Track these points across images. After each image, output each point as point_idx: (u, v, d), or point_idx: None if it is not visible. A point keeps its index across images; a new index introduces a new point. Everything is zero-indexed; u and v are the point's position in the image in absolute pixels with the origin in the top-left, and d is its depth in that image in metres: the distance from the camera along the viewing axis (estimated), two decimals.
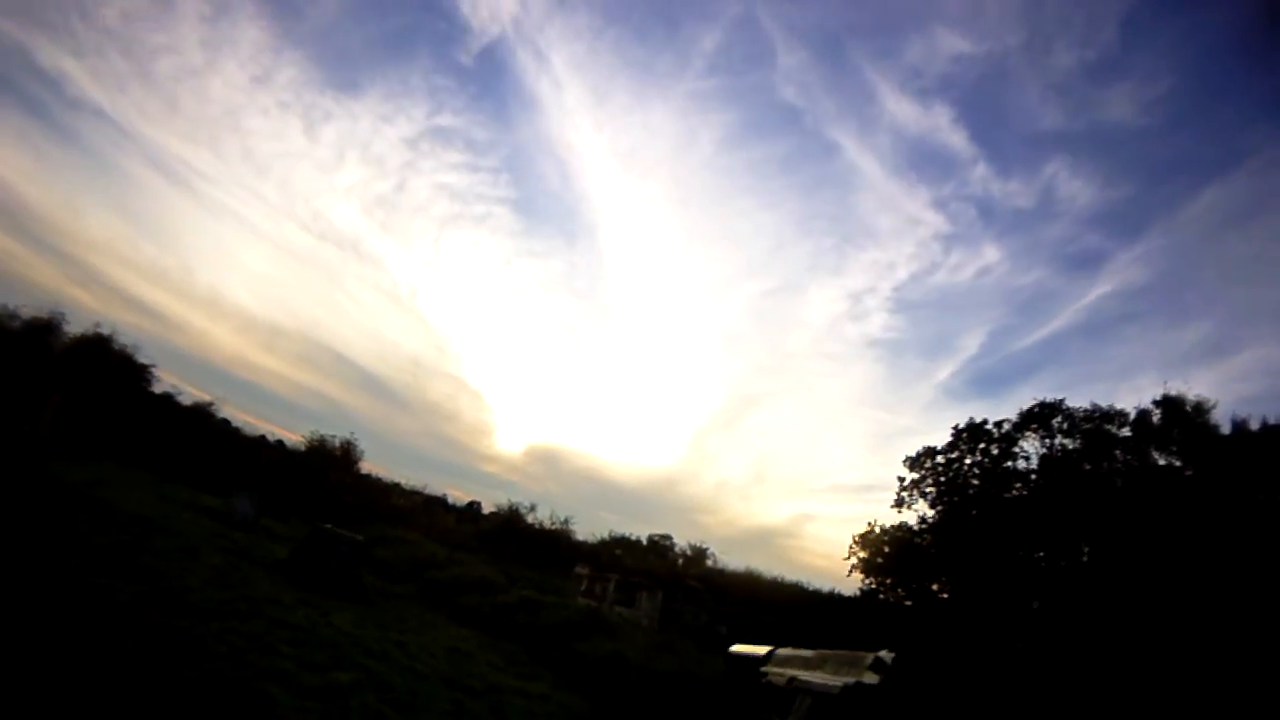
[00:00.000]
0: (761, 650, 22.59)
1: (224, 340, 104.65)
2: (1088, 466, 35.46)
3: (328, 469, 46.26)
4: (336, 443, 50.59)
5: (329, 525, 23.34)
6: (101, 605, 11.05)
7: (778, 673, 18.69)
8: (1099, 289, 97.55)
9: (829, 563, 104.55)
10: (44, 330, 40.51)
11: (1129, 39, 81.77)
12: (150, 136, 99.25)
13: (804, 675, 17.03)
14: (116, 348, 41.80)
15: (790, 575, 52.83)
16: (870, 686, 14.58)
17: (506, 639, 22.49)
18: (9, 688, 7.39)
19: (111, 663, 8.89)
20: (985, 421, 39.97)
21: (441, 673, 15.27)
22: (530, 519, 51.95)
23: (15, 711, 6.99)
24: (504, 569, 34.03)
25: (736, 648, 23.95)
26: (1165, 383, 37.43)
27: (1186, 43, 77.12)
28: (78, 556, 13.46)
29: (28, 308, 41.09)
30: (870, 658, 16.49)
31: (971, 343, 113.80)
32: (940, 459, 40.97)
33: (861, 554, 42.68)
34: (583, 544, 51.95)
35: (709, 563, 62.59)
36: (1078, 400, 43.13)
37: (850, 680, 14.99)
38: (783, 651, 21.31)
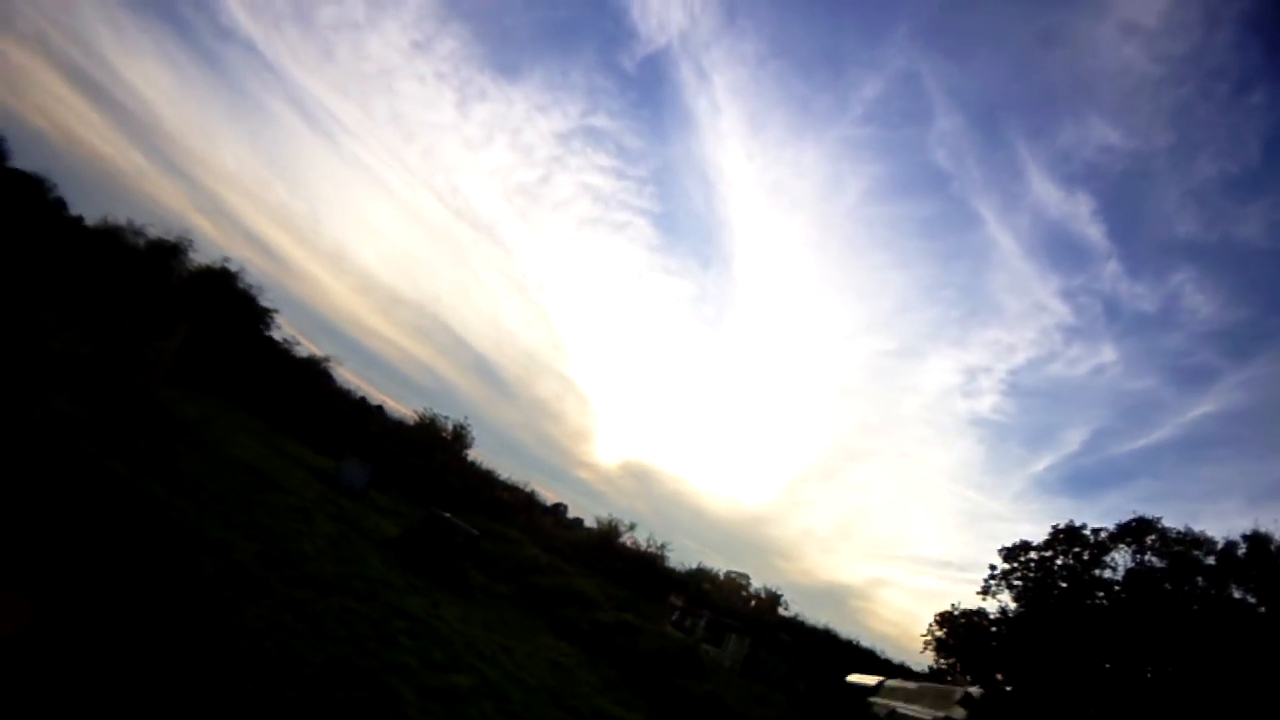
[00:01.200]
0: (873, 680, 21.65)
1: (342, 297, 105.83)
2: (1169, 587, 34.61)
3: (436, 449, 45.21)
4: (449, 424, 49.45)
5: (446, 512, 22.36)
6: (221, 564, 10.09)
7: (883, 703, 18.01)
8: (1204, 407, 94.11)
9: (896, 631, 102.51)
10: (169, 253, 40.13)
11: (1271, 156, 78.20)
12: (299, 79, 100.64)
13: (903, 707, 16.44)
14: (240, 286, 40.82)
15: (862, 638, 51.08)
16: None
17: (604, 660, 21.34)
18: (136, 646, 6.42)
19: (237, 633, 7.89)
20: (1084, 526, 39.06)
21: (549, 687, 14.18)
22: (627, 538, 50.85)
23: (145, 673, 6.01)
24: (597, 584, 33.08)
25: (853, 677, 23.01)
26: (1256, 519, 38.05)
27: None
28: (192, 500, 12.57)
29: (154, 227, 41.07)
30: (960, 693, 15.73)
31: (1074, 438, 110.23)
32: (1034, 555, 40.01)
33: (938, 632, 41.09)
34: (673, 571, 50.72)
35: (781, 610, 60.83)
36: (1168, 515, 42.29)
37: (940, 714, 14.54)
38: (891, 682, 20.44)
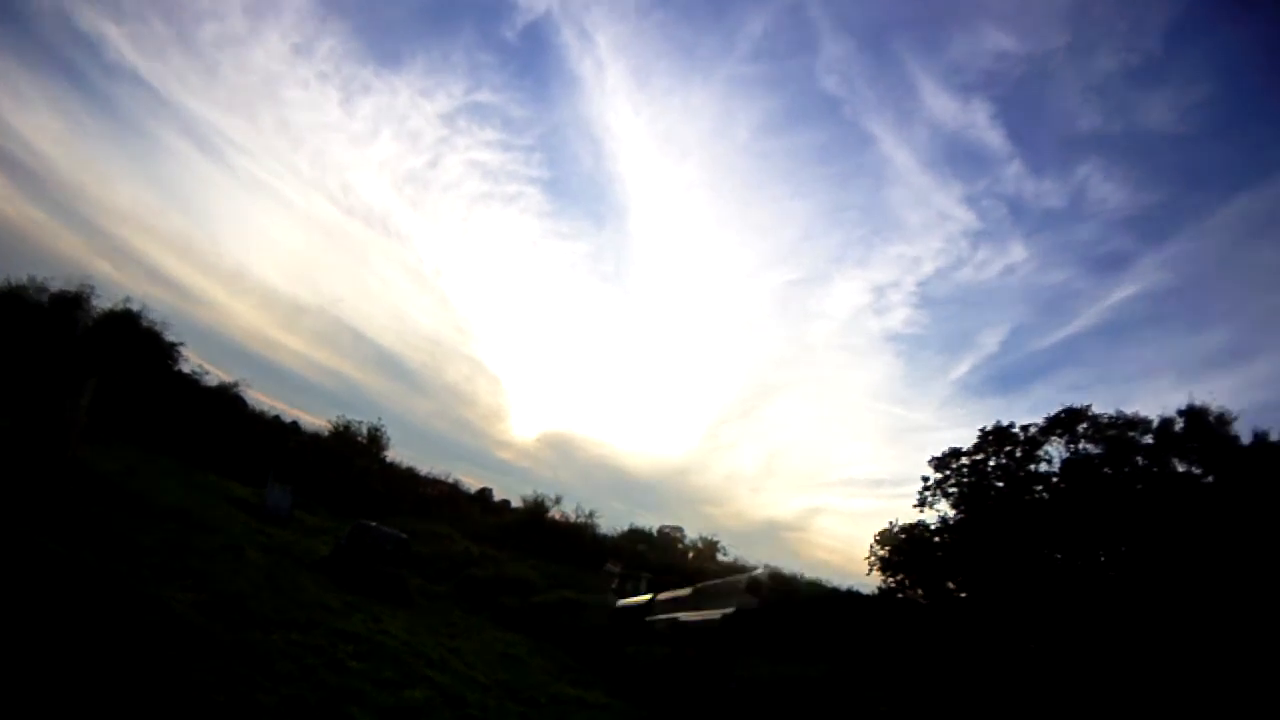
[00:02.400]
0: (644, 598, 22.18)
1: (246, 317, 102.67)
2: (1109, 471, 35.48)
3: (354, 456, 45.19)
4: (363, 429, 49.65)
5: (372, 521, 22.52)
6: (162, 616, 10.28)
7: (662, 619, 18.32)
8: (1123, 291, 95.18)
9: (837, 558, 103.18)
10: (72, 303, 39.23)
11: (1172, 45, 79.79)
12: (187, 105, 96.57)
13: (683, 616, 16.72)
14: (145, 324, 40.46)
15: (804, 569, 51.82)
16: (750, 611, 14.45)
17: (551, 642, 21.92)
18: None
19: (190, 687, 8.14)
20: (1012, 425, 39.84)
21: (502, 683, 14.59)
22: (554, 512, 50.70)
23: None
24: (532, 565, 33.35)
25: (622, 601, 23.59)
26: (1190, 392, 38.42)
27: (1228, 50, 74.98)
28: (126, 560, 12.67)
29: (55, 279, 39.75)
30: (745, 580, 16.07)
31: (992, 340, 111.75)
32: (965, 460, 40.84)
33: (881, 552, 42.69)
34: (605, 538, 50.81)
35: (720, 556, 61.50)
36: (1098, 401, 42.91)
37: (730, 609, 14.79)
38: (662, 597, 20.89)
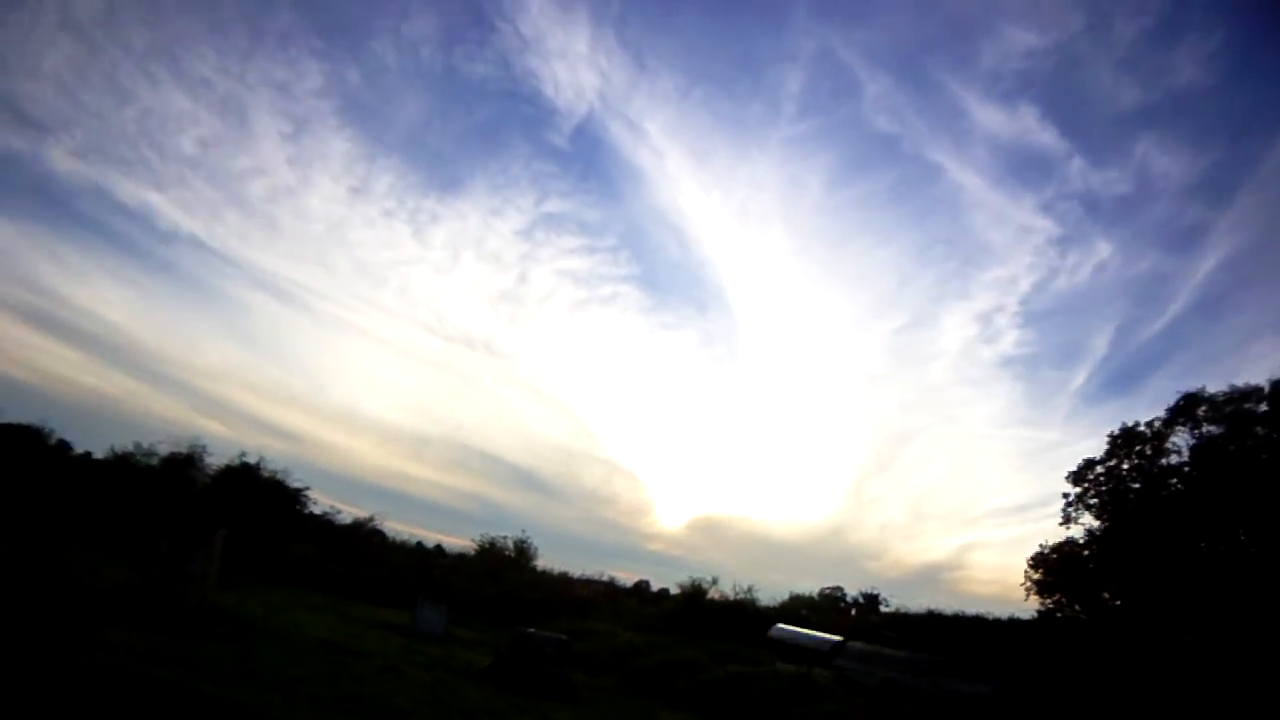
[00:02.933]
0: (837, 638, 21.71)
1: (369, 454, 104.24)
2: (1233, 449, 34.35)
3: (503, 569, 44.99)
4: (509, 543, 50.02)
5: (530, 628, 22.03)
6: None
7: (848, 666, 17.63)
8: (1208, 261, 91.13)
9: (999, 588, 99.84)
10: (185, 463, 40.17)
11: None
12: (254, 260, 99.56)
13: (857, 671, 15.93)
14: (266, 474, 41.30)
15: (966, 608, 49.81)
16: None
17: (724, 717, 21.34)
18: None
19: None
20: (1137, 424, 39.01)
21: None
22: (713, 593, 49.54)
23: None
24: (696, 648, 32.38)
25: (811, 633, 23.24)
26: None
27: None
28: (280, 691, 12.08)
29: (163, 443, 40.92)
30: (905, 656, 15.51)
31: (1101, 343, 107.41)
32: (1100, 469, 39.93)
33: (1035, 575, 41.50)
34: (767, 609, 49.56)
35: (882, 607, 59.80)
36: (1212, 380, 41.69)
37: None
38: (851, 645, 20.37)
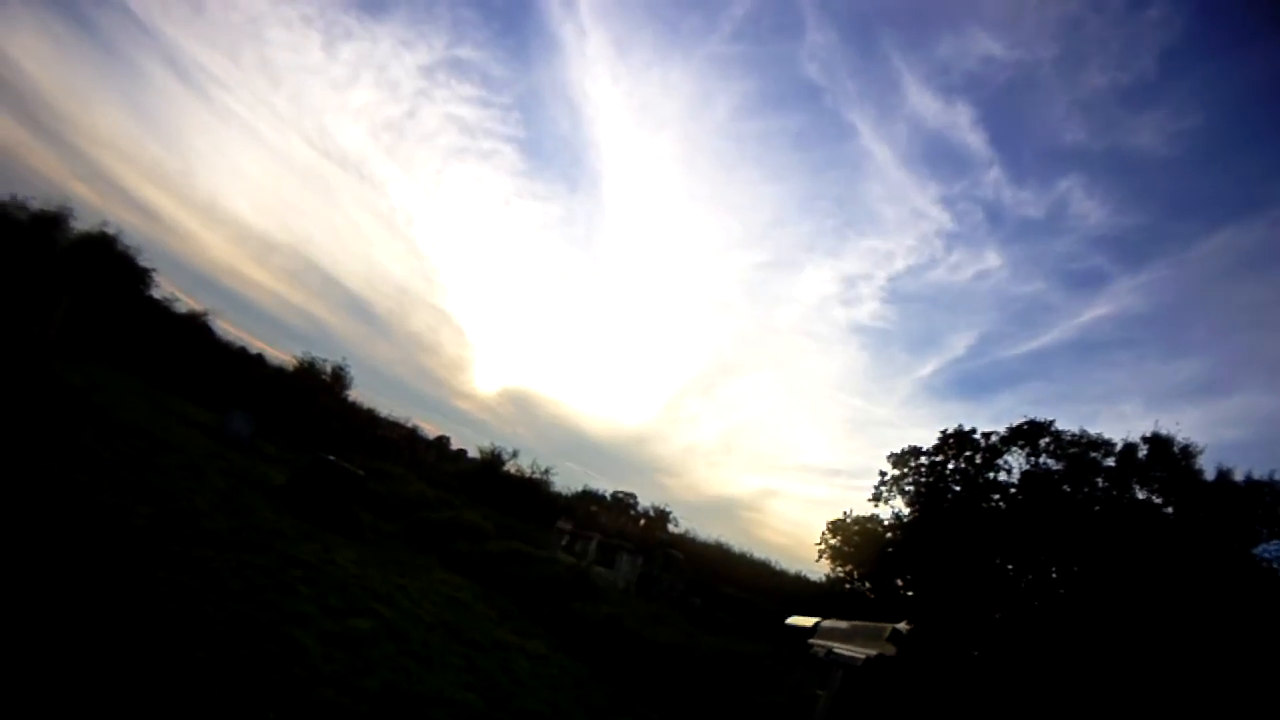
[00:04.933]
0: (809, 622, 22.79)
1: (217, 248, 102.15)
2: (1068, 489, 35.69)
3: (317, 393, 45.43)
4: (328, 367, 50.15)
5: (331, 455, 22.71)
6: (119, 528, 10.54)
7: (820, 644, 18.83)
8: (1096, 310, 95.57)
9: (789, 541, 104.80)
10: (50, 224, 39.55)
11: (1166, 69, 79.82)
12: (170, 36, 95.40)
13: (838, 647, 17.16)
14: (119, 249, 41.16)
15: (755, 550, 52.49)
16: (889, 658, 14.88)
17: (498, 591, 22.08)
18: (40, 615, 6.90)
19: (142, 595, 8.41)
20: (974, 430, 40.22)
21: (447, 624, 14.83)
22: (510, 465, 51.10)
23: (54, 638, 6.51)
24: (484, 515, 33.62)
25: (792, 620, 24.24)
26: (1156, 420, 38.32)
27: (1225, 82, 75.03)
28: (88, 471, 12.88)
29: (35, 199, 40.11)
30: (889, 629, 16.67)
31: (959, 343, 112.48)
32: (924, 460, 41.29)
33: (832, 540, 42.92)
34: (559, 496, 51.46)
35: (671, 526, 61.93)
36: (1062, 417, 43.51)
37: (872, 652, 15.23)
38: (826, 623, 21.53)
